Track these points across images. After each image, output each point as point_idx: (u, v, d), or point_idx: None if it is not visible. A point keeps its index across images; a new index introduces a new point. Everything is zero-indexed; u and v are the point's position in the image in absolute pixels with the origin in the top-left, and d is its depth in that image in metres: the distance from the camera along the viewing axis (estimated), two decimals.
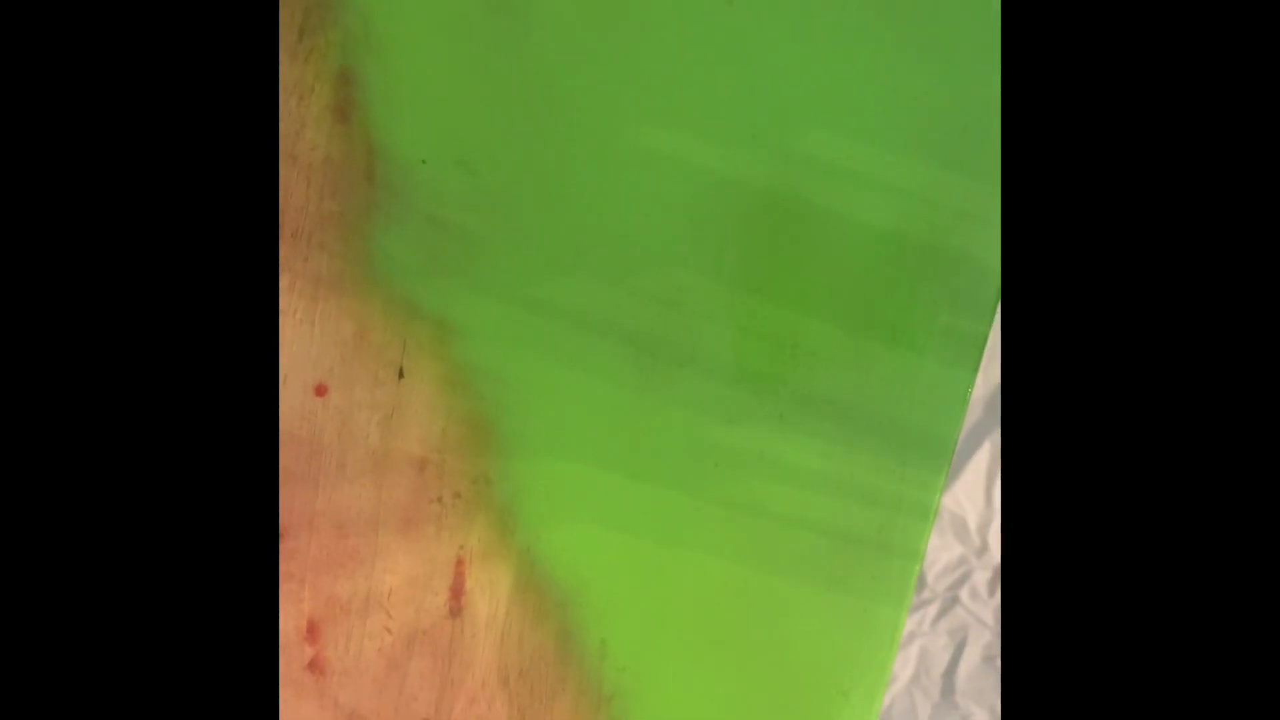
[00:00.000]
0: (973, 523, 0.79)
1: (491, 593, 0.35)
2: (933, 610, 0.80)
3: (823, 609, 0.35)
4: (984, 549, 0.80)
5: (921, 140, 0.33)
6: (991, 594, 0.80)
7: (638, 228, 0.33)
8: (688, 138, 0.33)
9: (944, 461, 0.35)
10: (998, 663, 0.80)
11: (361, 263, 0.33)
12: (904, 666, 0.80)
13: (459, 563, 0.35)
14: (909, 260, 0.34)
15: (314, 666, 0.35)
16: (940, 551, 0.79)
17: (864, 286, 0.34)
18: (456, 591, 0.35)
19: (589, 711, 0.35)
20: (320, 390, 0.33)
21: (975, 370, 0.35)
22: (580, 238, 0.33)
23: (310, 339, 0.33)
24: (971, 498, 0.79)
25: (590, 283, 0.33)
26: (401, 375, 0.33)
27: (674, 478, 0.35)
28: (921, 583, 0.79)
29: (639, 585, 0.35)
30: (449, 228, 0.33)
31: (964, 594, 0.80)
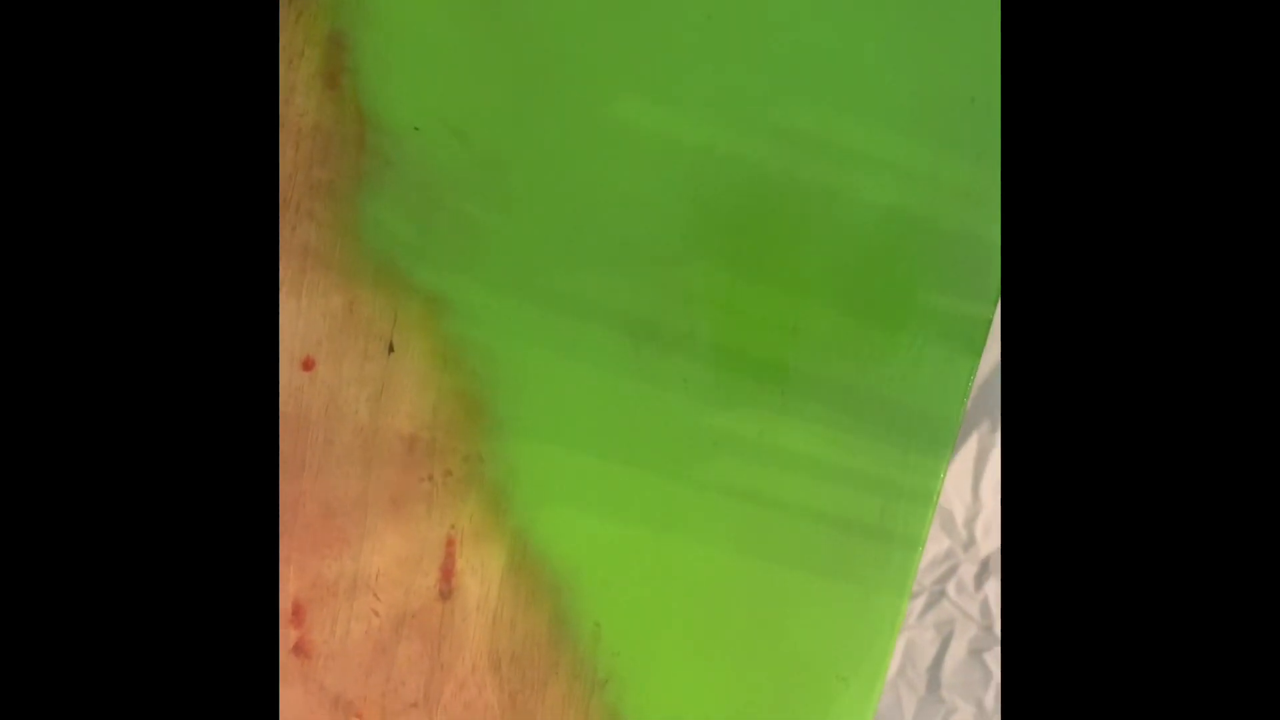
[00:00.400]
0: (960, 516, 0.79)
1: (483, 574, 0.34)
2: (919, 603, 0.80)
3: (822, 594, 0.35)
4: (971, 542, 0.79)
5: (923, 116, 0.33)
6: (978, 588, 0.79)
7: (635, 203, 0.32)
8: (685, 111, 0.32)
9: (946, 447, 0.35)
10: (984, 657, 0.80)
11: (351, 233, 0.32)
12: None
13: (449, 543, 0.34)
14: (911, 241, 0.33)
15: (299, 650, 0.34)
16: (927, 544, 0.79)
17: (864, 268, 0.33)
18: (447, 573, 0.34)
19: (582, 697, 0.35)
20: (307, 364, 0.32)
21: (979, 354, 0.34)
22: (576, 210, 0.32)
23: (297, 311, 0.32)
24: (959, 491, 0.78)
25: (586, 257, 0.32)
26: (391, 350, 0.33)
27: (671, 462, 0.34)
28: None
29: (635, 568, 0.34)
30: (442, 198, 0.32)
31: (950, 587, 0.79)
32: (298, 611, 0.34)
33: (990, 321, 0.34)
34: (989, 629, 0.79)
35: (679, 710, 0.35)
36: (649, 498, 0.34)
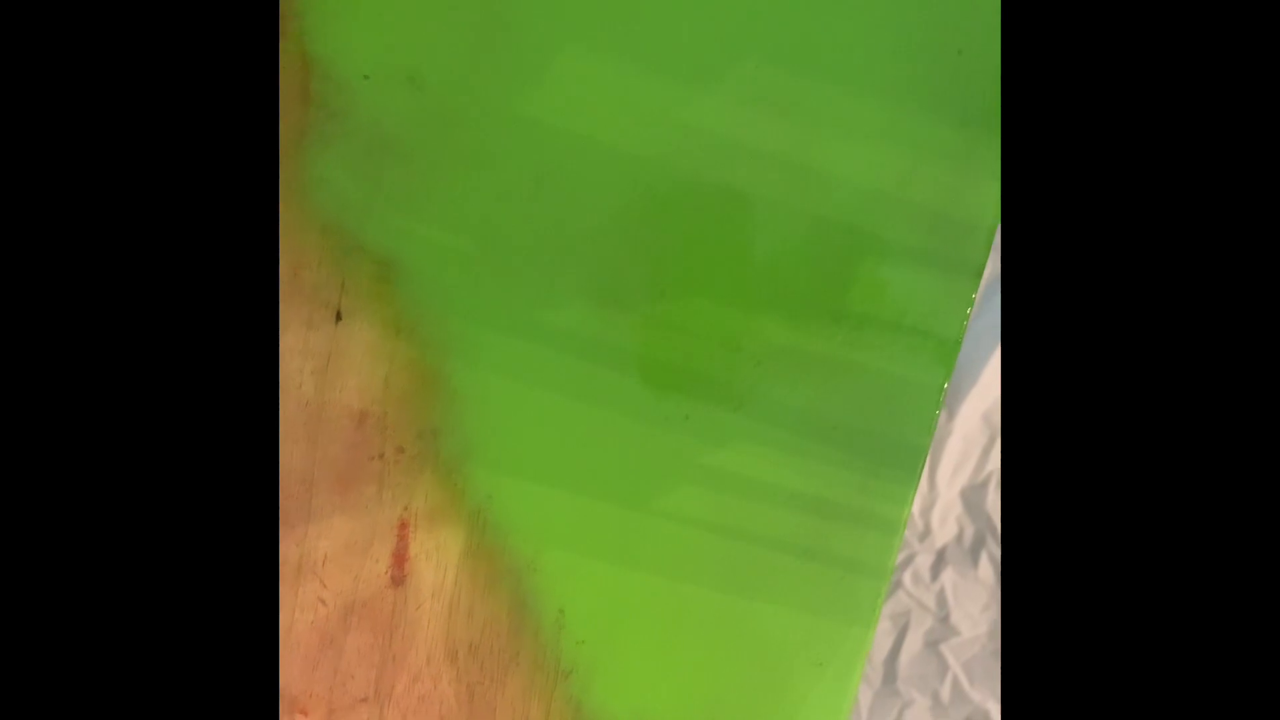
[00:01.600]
0: (916, 505, 0.78)
1: (438, 559, 0.32)
2: None
3: (797, 579, 0.33)
4: (926, 533, 0.78)
5: (901, 74, 0.31)
6: (934, 578, 0.78)
7: (592, 157, 0.30)
8: (641, 63, 0.30)
9: (914, 473, 0.32)
10: (940, 648, 0.79)
11: (295, 192, 0.30)
12: None
13: (402, 526, 0.31)
14: (878, 252, 0.31)
15: None
16: None
17: (825, 282, 0.31)
18: (399, 558, 0.32)
19: (545, 688, 0.33)
20: None
21: (948, 373, 0.32)
22: (537, 166, 0.30)
23: None
24: None
25: (546, 217, 0.30)
26: (339, 318, 0.30)
27: (627, 485, 0.32)
28: None
29: (600, 550, 0.32)
30: (393, 153, 0.30)
31: (906, 578, 0.79)
32: None
33: (961, 339, 0.32)
34: (945, 620, 0.79)
35: (647, 702, 0.33)
36: (615, 472, 0.32)
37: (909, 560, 0.78)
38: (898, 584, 0.78)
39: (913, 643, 0.79)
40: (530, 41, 0.29)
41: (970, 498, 0.78)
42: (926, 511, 0.78)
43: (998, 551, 0.77)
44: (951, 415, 0.76)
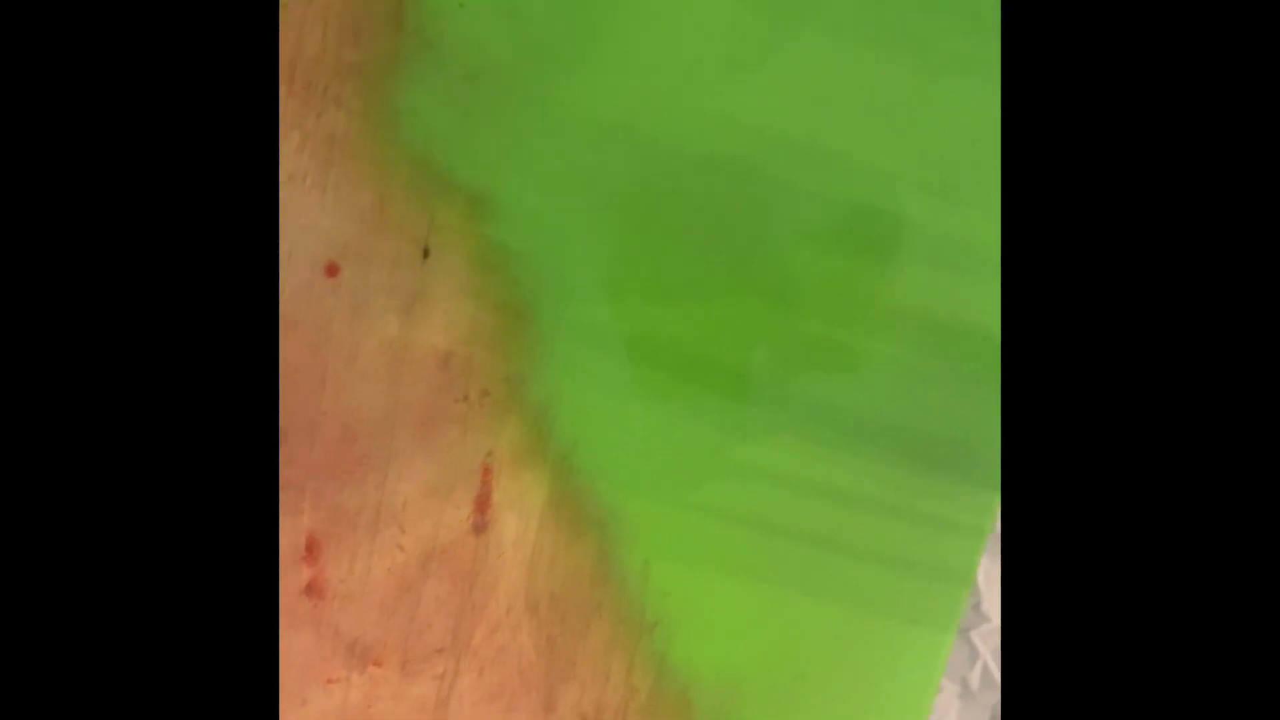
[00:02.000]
0: None
1: (521, 506, 0.31)
2: None
3: (892, 529, 0.32)
4: None
5: None
6: None
7: (683, 111, 0.29)
8: (742, 13, 0.29)
9: (993, 475, 0.31)
10: (970, 635, 0.78)
11: (385, 122, 0.29)
12: None
13: (485, 471, 0.30)
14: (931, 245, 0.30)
15: (312, 590, 0.31)
16: None
17: (881, 280, 0.30)
18: (481, 504, 0.31)
19: (628, 641, 0.32)
20: (331, 270, 0.29)
21: None
22: (638, 100, 0.29)
23: (321, 209, 0.29)
24: None
25: (645, 155, 0.29)
26: (426, 255, 0.29)
27: (714, 438, 0.31)
28: None
29: (687, 501, 0.31)
30: (488, 84, 0.29)
31: None
32: (312, 547, 0.30)
33: None
34: (976, 607, 0.78)
35: (733, 657, 0.32)
36: (705, 419, 0.31)
37: None
38: None
39: None
40: None
41: None
42: None
43: None
44: None
